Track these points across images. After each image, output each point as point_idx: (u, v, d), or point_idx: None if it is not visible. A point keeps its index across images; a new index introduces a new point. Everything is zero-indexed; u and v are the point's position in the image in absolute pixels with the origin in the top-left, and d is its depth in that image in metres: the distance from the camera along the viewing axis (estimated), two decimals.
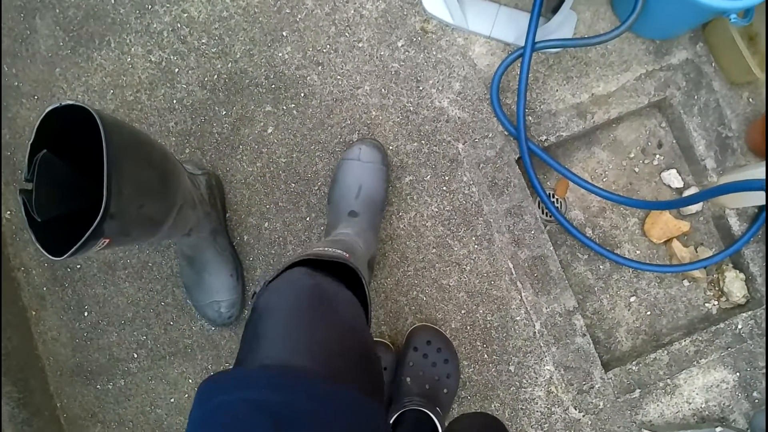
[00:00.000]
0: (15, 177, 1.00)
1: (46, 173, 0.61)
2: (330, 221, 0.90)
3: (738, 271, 0.97)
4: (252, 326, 0.51)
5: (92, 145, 0.62)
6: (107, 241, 0.62)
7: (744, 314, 0.94)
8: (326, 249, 0.64)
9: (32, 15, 1.01)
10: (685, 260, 0.97)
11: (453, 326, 0.94)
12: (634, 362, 0.94)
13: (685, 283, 1.00)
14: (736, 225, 0.96)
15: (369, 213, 0.88)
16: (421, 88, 0.96)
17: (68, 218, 0.65)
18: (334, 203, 0.90)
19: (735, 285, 0.96)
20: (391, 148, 0.95)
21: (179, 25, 0.99)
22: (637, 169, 1.01)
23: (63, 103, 0.60)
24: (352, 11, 0.97)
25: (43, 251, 0.59)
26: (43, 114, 0.60)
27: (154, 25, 0.99)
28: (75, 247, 0.58)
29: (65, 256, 0.58)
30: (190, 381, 0.96)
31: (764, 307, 0.94)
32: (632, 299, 1.00)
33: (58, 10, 1.00)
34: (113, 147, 0.60)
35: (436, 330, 0.92)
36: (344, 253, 0.64)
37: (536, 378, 0.94)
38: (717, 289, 0.99)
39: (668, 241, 0.99)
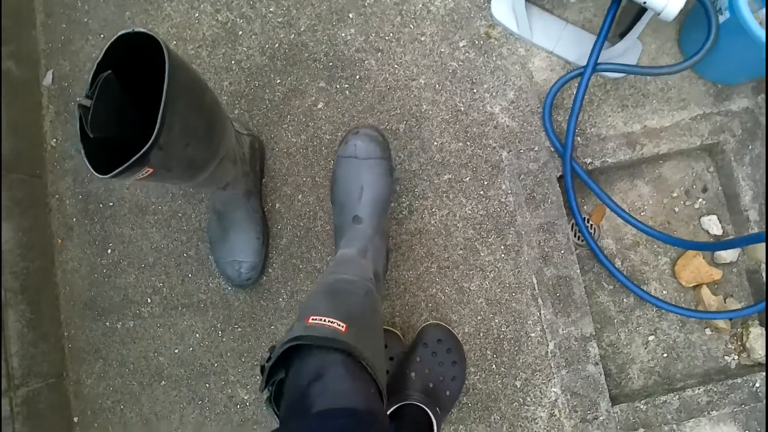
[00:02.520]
0: (68, 108, 1.02)
1: (106, 93, 0.62)
2: (336, 224, 0.88)
3: (764, 329, 0.94)
4: None
5: (149, 78, 0.64)
6: (150, 170, 0.63)
7: (763, 373, 0.91)
8: (324, 321, 0.59)
9: None
10: (712, 308, 0.95)
11: (466, 330, 0.93)
12: (642, 401, 0.91)
13: (708, 331, 0.97)
14: None
15: (374, 216, 0.85)
16: (475, 90, 0.96)
17: (114, 145, 0.67)
18: (337, 205, 0.87)
19: (759, 342, 0.93)
20: (435, 143, 0.96)
21: None
22: (677, 209, 1.00)
23: (136, 30, 0.61)
24: (420, 5, 0.98)
25: (90, 167, 0.60)
26: (115, 36, 0.62)
27: None
28: (121, 168, 0.59)
29: (110, 175, 0.59)
30: (197, 335, 0.96)
31: None
32: (651, 338, 0.98)
33: None
34: (174, 82, 0.61)
35: (449, 330, 0.91)
36: (341, 328, 0.59)
37: (541, 398, 0.92)
38: (739, 343, 0.96)
39: (698, 286, 0.97)
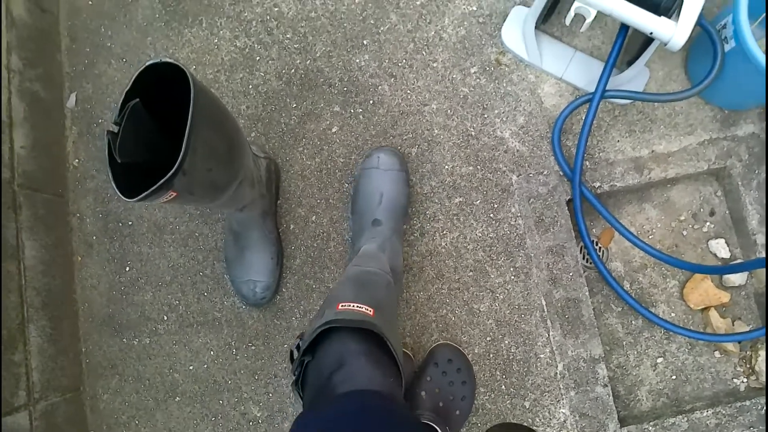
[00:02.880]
0: (90, 129, 1.05)
1: (133, 121, 0.65)
2: (354, 230, 0.93)
3: None
4: None
5: (173, 103, 0.67)
6: (174, 194, 0.66)
7: None
8: (352, 306, 0.63)
9: None
10: (720, 331, 0.96)
11: (476, 351, 0.95)
12: (651, 423, 0.92)
13: (717, 354, 0.98)
14: None
15: (392, 220, 0.90)
16: (485, 115, 0.99)
17: (139, 169, 0.69)
18: (357, 213, 0.92)
19: None
20: (447, 167, 0.98)
21: (269, 18, 1.04)
22: (685, 233, 1.01)
23: (163, 60, 0.64)
24: (433, 32, 1.01)
25: (117, 190, 0.63)
26: (143, 66, 0.65)
27: (246, 14, 1.05)
28: (146, 193, 0.62)
29: (136, 198, 0.62)
30: (212, 353, 0.98)
31: None
32: (659, 360, 0.98)
33: None
34: (198, 109, 0.64)
35: (459, 350, 0.92)
36: (369, 312, 0.63)
37: (550, 419, 0.93)
38: (748, 366, 0.97)
39: (706, 309, 0.98)
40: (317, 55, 1.02)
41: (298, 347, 0.61)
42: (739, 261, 0.99)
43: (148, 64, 0.65)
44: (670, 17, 0.78)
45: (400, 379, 0.62)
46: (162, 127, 0.71)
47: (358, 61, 1.01)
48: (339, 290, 0.69)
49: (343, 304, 0.63)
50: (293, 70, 1.02)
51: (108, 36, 1.08)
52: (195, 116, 0.63)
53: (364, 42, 1.01)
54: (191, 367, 0.99)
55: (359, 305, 0.63)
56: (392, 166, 0.93)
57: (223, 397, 0.98)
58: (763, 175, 0.96)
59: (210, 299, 1.00)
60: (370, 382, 0.57)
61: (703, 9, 0.78)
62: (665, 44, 0.77)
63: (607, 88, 0.91)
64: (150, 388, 1.00)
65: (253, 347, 0.99)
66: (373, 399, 0.55)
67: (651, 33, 0.77)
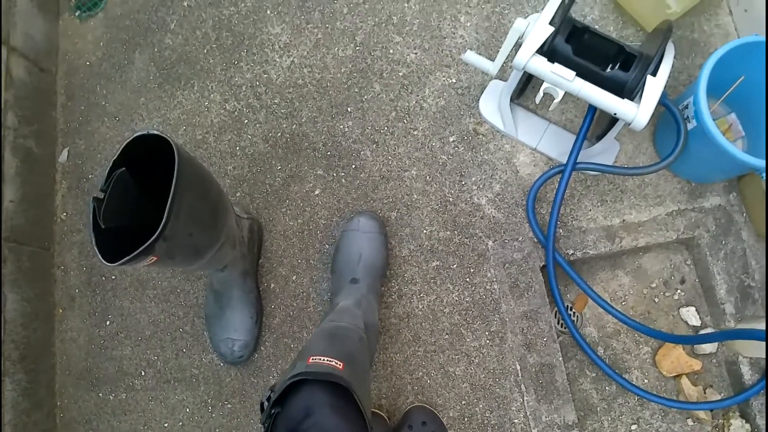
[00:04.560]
0: (80, 184, 1.08)
1: (119, 189, 0.68)
2: (333, 289, 0.96)
3: (744, 421, 0.96)
4: None
5: (159, 167, 0.70)
6: (155, 259, 0.68)
7: None
8: (323, 360, 0.65)
9: (133, 49, 1.14)
10: (692, 399, 0.97)
11: (451, 414, 0.95)
12: None
13: (689, 422, 0.99)
14: (747, 374, 0.96)
15: (369, 278, 0.94)
16: (463, 182, 1.03)
17: (122, 231, 0.72)
18: (337, 272, 0.96)
19: None
20: (425, 231, 1.01)
21: (258, 83, 1.09)
22: (657, 300, 1.04)
23: (150, 132, 0.68)
24: (414, 102, 1.06)
25: (99, 255, 0.65)
26: (131, 137, 0.68)
27: (236, 79, 1.09)
28: (127, 258, 0.64)
29: (117, 263, 0.64)
30: (188, 410, 0.98)
31: None
32: (633, 427, 0.99)
33: (156, 50, 1.12)
34: (182, 178, 0.67)
35: (434, 413, 0.93)
36: (338, 365, 0.65)
37: None
38: None
39: (678, 376, 1.00)
40: (303, 120, 1.06)
41: (269, 398, 0.63)
42: (709, 330, 1.01)
43: (135, 135, 0.68)
44: (633, 99, 0.83)
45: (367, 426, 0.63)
46: (147, 186, 0.74)
47: (342, 127, 1.05)
48: (312, 343, 0.72)
49: (314, 357, 0.65)
50: (279, 134, 1.06)
51: (103, 95, 1.12)
52: (178, 185, 0.66)
53: (348, 109, 1.06)
54: (166, 425, 0.99)
55: (329, 359, 0.65)
56: (372, 229, 0.96)
57: None
58: (730, 246, 1.00)
59: (188, 356, 1.00)
60: (335, 429, 0.59)
61: (667, 88, 0.83)
62: (629, 124, 0.82)
63: (578, 160, 0.95)
64: None
65: (229, 405, 0.99)
66: None
67: (615, 114, 0.82)
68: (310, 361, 0.65)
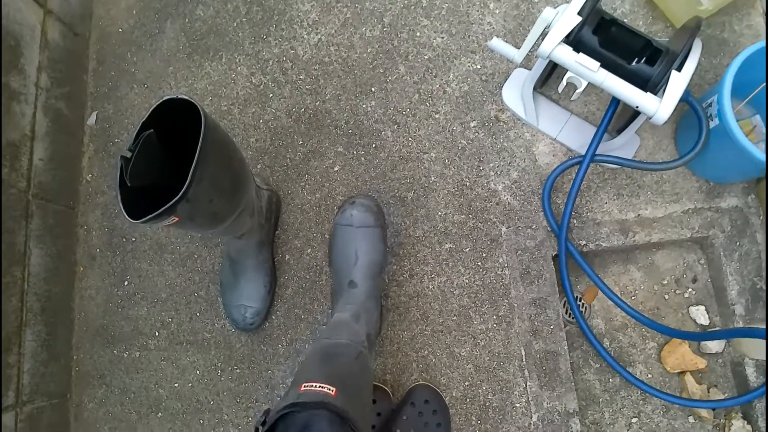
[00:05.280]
0: (106, 147, 1.11)
1: (146, 150, 0.70)
2: (333, 287, 0.96)
3: (746, 422, 0.96)
4: None
5: (185, 131, 0.72)
6: (176, 219, 0.70)
7: None
8: (315, 387, 0.65)
9: (165, 18, 1.16)
10: (695, 396, 0.98)
11: (454, 394, 0.97)
12: None
13: (691, 419, 1.00)
14: (752, 376, 0.96)
15: (368, 280, 0.92)
16: (481, 168, 1.03)
17: (146, 191, 0.74)
18: (334, 269, 0.94)
19: None
20: (440, 214, 1.02)
21: (285, 59, 1.10)
22: (667, 297, 1.04)
23: (179, 96, 0.70)
24: (438, 86, 1.06)
25: (124, 212, 0.67)
26: (160, 100, 0.70)
27: (264, 53, 1.11)
28: (151, 216, 0.66)
29: (141, 220, 0.66)
30: (198, 372, 1.01)
31: None
32: (634, 420, 1.00)
33: (187, 20, 1.14)
34: (207, 143, 0.69)
35: (437, 392, 0.94)
36: (331, 392, 0.64)
37: None
38: None
39: (682, 373, 1.00)
40: (327, 97, 1.08)
41: (263, 423, 0.63)
42: (717, 329, 1.01)
43: (165, 98, 0.70)
44: (656, 93, 0.83)
45: None
46: (173, 150, 0.76)
47: (364, 106, 1.07)
48: (305, 367, 0.72)
49: (306, 384, 0.65)
50: (303, 110, 1.08)
51: (133, 62, 1.15)
52: (203, 150, 0.68)
53: (372, 89, 1.07)
54: (176, 385, 1.02)
55: (321, 385, 0.64)
56: (366, 223, 0.93)
57: (204, 417, 1.01)
58: (745, 248, 1.00)
59: (201, 320, 1.03)
60: None
61: (691, 86, 0.83)
62: (650, 118, 0.82)
63: (597, 152, 0.95)
64: (134, 402, 1.02)
65: (238, 370, 1.01)
66: None
67: (637, 107, 0.82)
68: (302, 389, 0.64)
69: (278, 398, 0.97)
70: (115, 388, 1.03)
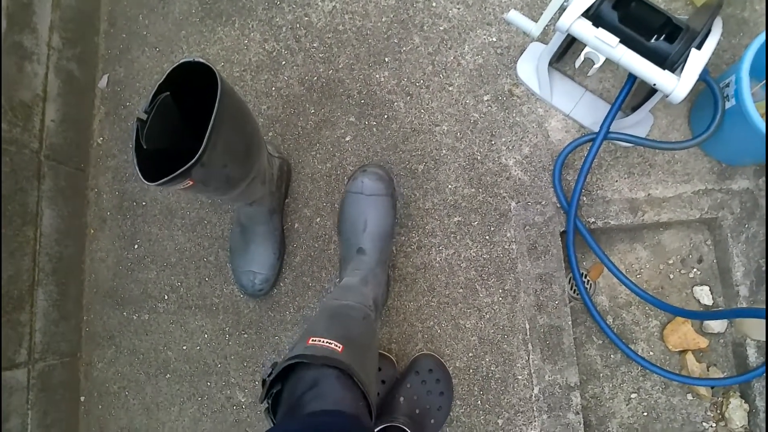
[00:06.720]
0: (117, 111, 1.11)
1: (162, 112, 0.70)
2: (342, 254, 0.96)
3: (743, 401, 0.98)
4: None
5: (200, 96, 0.71)
6: (191, 183, 0.71)
7: None
8: (322, 342, 0.66)
9: None
10: (695, 375, 0.99)
11: (457, 365, 0.99)
12: None
13: (689, 396, 1.01)
14: (753, 356, 0.98)
15: (377, 248, 0.92)
16: (493, 142, 1.03)
17: (161, 155, 0.74)
18: (343, 237, 0.94)
19: (737, 413, 0.97)
20: (450, 187, 1.02)
21: (298, 26, 1.09)
22: (672, 276, 1.05)
23: (196, 59, 0.70)
24: (452, 57, 1.06)
25: (140, 174, 0.67)
26: (177, 63, 0.70)
27: (277, 19, 1.10)
28: (166, 179, 0.67)
29: (157, 183, 0.67)
30: (206, 336, 1.03)
31: None
32: (633, 395, 1.02)
33: None
34: (222, 108, 0.69)
35: (440, 362, 0.96)
36: (338, 348, 0.65)
37: None
38: (718, 412, 1.00)
39: (683, 352, 1.02)
40: (340, 66, 1.07)
41: (270, 374, 0.64)
42: (720, 309, 1.02)
43: (182, 61, 0.70)
44: (674, 71, 0.82)
45: (369, 409, 0.64)
46: (188, 114, 0.76)
47: (377, 76, 1.06)
48: (313, 324, 0.72)
49: (314, 339, 0.66)
50: (315, 78, 1.07)
51: (145, 25, 1.14)
52: (218, 115, 0.68)
53: (386, 59, 1.06)
54: (184, 347, 1.04)
55: (329, 341, 0.65)
56: (376, 191, 0.93)
57: (212, 379, 1.03)
58: (753, 230, 1.00)
59: (210, 285, 1.04)
60: (340, 401, 0.60)
61: (709, 66, 0.82)
62: (666, 96, 0.81)
63: (611, 130, 0.95)
64: (143, 363, 1.04)
65: (245, 335, 1.03)
66: (337, 418, 0.58)
67: (654, 84, 0.81)
68: (310, 342, 0.65)
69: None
70: (124, 349, 1.05)
